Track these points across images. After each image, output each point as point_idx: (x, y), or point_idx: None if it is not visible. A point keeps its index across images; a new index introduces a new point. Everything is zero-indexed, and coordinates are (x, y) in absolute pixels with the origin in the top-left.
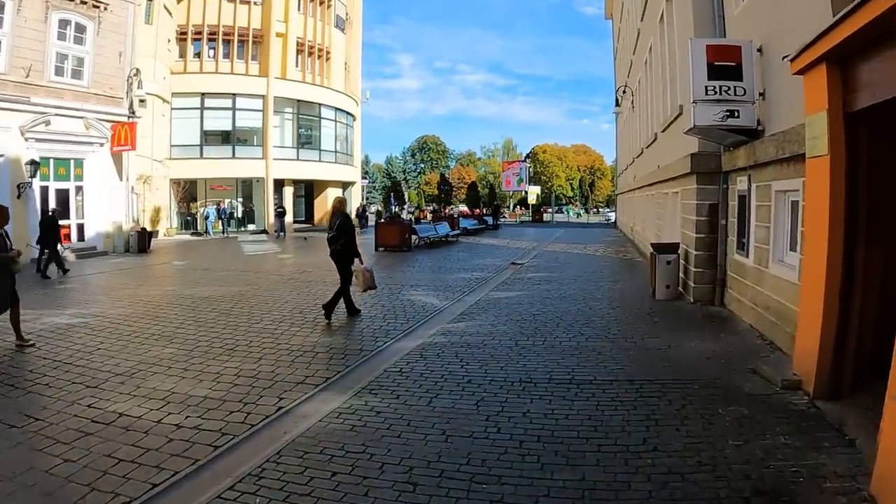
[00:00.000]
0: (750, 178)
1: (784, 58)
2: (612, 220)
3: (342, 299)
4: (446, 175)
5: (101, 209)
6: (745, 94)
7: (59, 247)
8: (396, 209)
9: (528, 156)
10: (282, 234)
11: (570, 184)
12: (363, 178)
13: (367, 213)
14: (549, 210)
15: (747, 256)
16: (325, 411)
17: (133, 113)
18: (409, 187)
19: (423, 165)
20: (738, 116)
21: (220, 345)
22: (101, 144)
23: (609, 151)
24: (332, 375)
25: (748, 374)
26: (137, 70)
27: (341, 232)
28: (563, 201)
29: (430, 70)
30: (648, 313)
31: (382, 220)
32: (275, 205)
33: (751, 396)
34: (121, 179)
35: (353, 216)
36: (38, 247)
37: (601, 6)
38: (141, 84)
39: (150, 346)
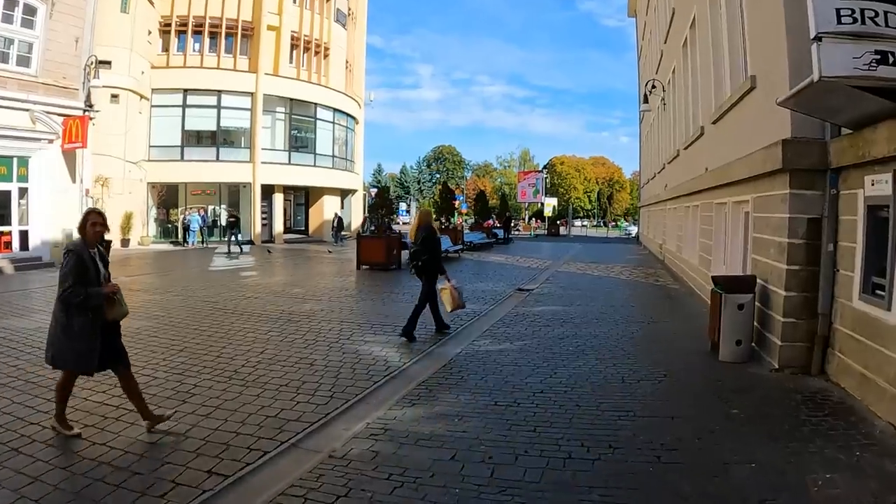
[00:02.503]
0: None
1: None
2: (633, 235)
3: (414, 314)
4: (462, 185)
5: (49, 215)
6: None
7: None
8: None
9: (545, 167)
10: (239, 247)
11: (588, 196)
12: (373, 186)
13: (343, 225)
14: (567, 223)
15: (889, 308)
16: None
17: (90, 106)
18: (424, 197)
19: (438, 175)
20: (894, 64)
21: (18, 429)
22: (51, 141)
23: (628, 164)
24: None
25: None
26: (97, 59)
27: (425, 246)
28: (581, 214)
29: (449, 81)
30: (716, 393)
31: (365, 234)
32: (227, 212)
33: None
34: (74, 181)
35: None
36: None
37: (622, 18)
38: (98, 74)
39: None
